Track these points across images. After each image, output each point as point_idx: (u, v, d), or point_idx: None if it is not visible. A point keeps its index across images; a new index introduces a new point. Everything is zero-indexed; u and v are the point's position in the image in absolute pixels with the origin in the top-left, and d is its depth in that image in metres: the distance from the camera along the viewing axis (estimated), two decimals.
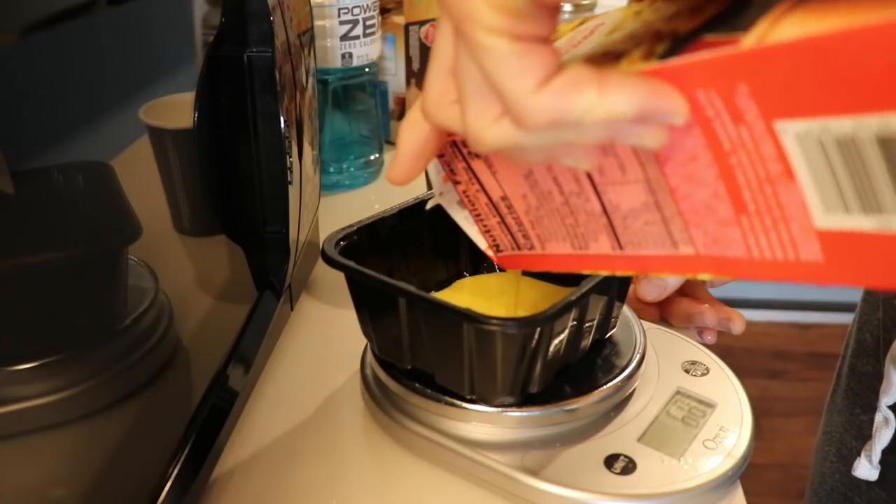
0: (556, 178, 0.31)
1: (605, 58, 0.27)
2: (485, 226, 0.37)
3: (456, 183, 0.36)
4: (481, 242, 0.38)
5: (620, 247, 0.31)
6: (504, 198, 0.34)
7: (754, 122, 0.23)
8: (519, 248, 0.36)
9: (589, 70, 0.23)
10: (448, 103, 0.27)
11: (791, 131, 0.22)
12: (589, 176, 0.29)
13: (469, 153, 0.34)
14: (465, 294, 0.50)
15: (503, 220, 0.35)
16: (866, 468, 0.54)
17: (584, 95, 0.23)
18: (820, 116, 0.21)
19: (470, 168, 0.34)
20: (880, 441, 0.53)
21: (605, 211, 0.30)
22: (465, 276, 0.52)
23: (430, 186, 0.41)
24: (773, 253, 0.25)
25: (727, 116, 0.23)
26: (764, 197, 0.24)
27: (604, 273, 0.32)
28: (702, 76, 0.23)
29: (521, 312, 0.38)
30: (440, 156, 0.35)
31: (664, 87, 0.23)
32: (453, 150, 0.34)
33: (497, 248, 0.37)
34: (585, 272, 0.33)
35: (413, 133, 0.31)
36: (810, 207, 0.23)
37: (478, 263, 0.52)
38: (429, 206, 0.39)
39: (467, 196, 0.36)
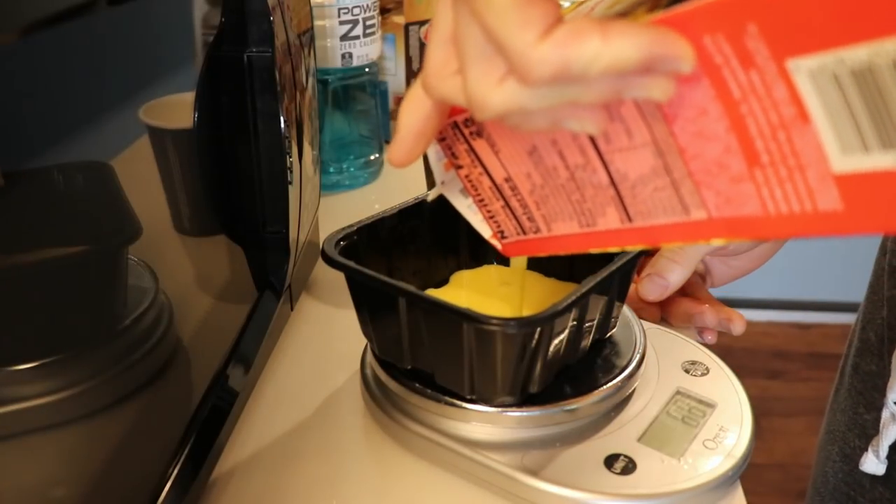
0: (560, 152, 0.30)
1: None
2: (489, 211, 0.36)
3: (458, 168, 0.36)
4: (485, 231, 0.38)
5: (630, 219, 0.30)
6: (508, 179, 0.34)
7: (765, 64, 0.22)
8: (524, 232, 0.36)
9: (591, 21, 0.23)
10: (449, 74, 0.27)
11: (804, 69, 0.21)
12: (595, 145, 0.29)
13: (471, 133, 0.33)
14: (463, 290, 0.50)
15: (507, 204, 0.35)
16: (873, 463, 0.54)
17: (588, 44, 0.22)
18: (834, 48, 0.21)
19: (472, 149, 0.34)
20: (888, 437, 0.53)
21: (612, 182, 0.29)
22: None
23: (430, 187, 0.41)
24: (790, 206, 0.24)
25: (736, 62, 0.23)
26: (778, 145, 0.23)
27: (613, 249, 0.32)
28: (709, 20, 0.22)
29: (528, 310, 0.38)
30: (441, 139, 0.34)
31: (669, 34, 0.23)
32: (454, 131, 0.34)
33: (502, 235, 0.37)
34: (594, 251, 0.32)
35: (414, 111, 0.30)
36: (827, 150, 0.22)
37: (479, 263, 0.52)
38: (431, 197, 0.39)
39: (470, 180, 0.36)
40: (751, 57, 0.22)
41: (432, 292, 0.49)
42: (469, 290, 0.49)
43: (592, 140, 0.29)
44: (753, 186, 0.25)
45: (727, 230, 0.27)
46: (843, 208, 0.23)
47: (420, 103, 0.30)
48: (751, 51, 0.22)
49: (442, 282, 0.51)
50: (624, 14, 0.26)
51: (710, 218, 0.27)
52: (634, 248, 0.31)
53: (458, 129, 0.33)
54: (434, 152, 0.35)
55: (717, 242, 0.27)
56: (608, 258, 0.42)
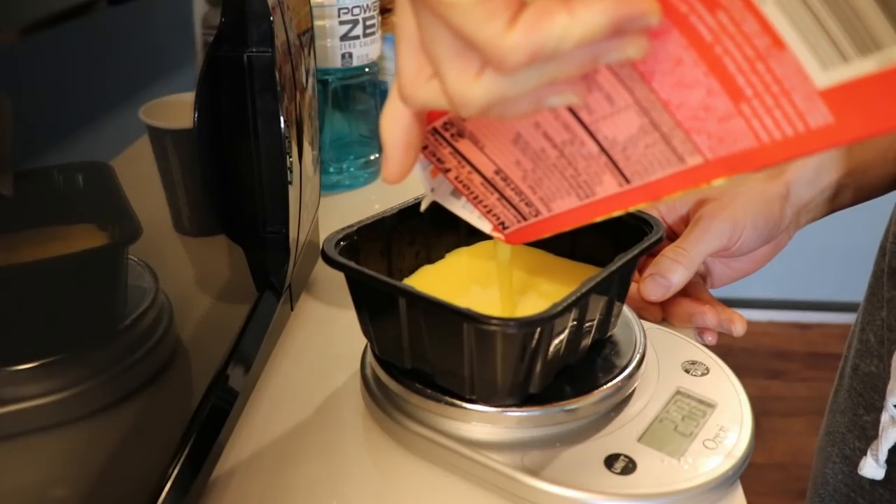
0: (545, 133, 0.30)
1: None
2: (485, 207, 0.36)
3: (446, 171, 0.36)
4: (485, 226, 0.37)
5: (627, 180, 0.30)
6: (498, 171, 0.34)
7: (730, 2, 0.22)
8: (525, 218, 0.35)
9: None
10: (425, 80, 0.27)
11: None
12: (578, 119, 0.29)
13: (452, 135, 0.33)
14: (462, 256, 0.50)
15: (502, 195, 0.35)
16: (872, 467, 0.54)
17: (556, 21, 0.23)
18: None
19: (457, 151, 0.34)
20: (887, 440, 0.52)
21: (602, 149, 0.30)
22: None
23: None
24: (783, 131, 0.25)
25: (701, 6, 0.23)
26: (759, 77, 0.24)
27: (618, 213, 0.32)
28: None
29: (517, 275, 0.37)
30: (423, 148, 0.34)
31: None
32: (435, 137, 0.34)
33: (503, 226, 0.37)
34: (599, 219, 0.32)
35: (396, 125, 0.31)
36: (808, 70, 0.23)
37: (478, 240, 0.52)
38: (423, 206, 0.39)
39: (460, 181, 0.36)
40: None
41: (429, 268, 0.49)
42: (468, 256, 0.50)
43: (575, 114, 0.29)
44: (743, 121, 0.25)
45: (726, 168, 0.27)
46: (835, 120, 0.23)
47: (400, 115, 0.30)
48: None
49: None
50: None
51: (707, 161, 0.27)
52: (637, 207, 0.31)
53: (439, 133, 0.34)
54: (418, 162, 0.36)
55: (718, 183, 0.28)
56: (610, 234, 0.42)
